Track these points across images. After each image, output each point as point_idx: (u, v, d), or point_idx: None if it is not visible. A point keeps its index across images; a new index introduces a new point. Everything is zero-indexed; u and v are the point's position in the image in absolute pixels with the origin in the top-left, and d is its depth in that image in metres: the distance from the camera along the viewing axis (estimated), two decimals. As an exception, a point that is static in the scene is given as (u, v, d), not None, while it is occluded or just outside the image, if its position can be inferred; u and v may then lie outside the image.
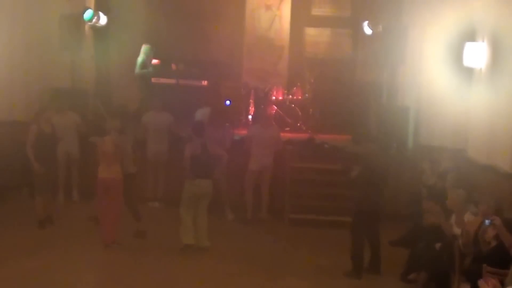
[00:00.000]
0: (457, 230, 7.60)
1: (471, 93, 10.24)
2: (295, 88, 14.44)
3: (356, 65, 14.98)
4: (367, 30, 13.34)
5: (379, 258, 8.62)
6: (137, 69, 13.48)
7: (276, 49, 15.39)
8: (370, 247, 8.62)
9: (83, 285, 8.01)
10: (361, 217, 8.46)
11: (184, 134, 10.92)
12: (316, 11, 15.46)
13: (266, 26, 15.38)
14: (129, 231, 9.37)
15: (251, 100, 14.19)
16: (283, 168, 11.23)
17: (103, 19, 12.44)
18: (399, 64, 12.22)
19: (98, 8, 12.71)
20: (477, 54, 9.91)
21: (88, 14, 11.97)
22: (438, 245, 7.84)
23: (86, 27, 12.41)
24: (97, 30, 12.81)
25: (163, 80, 13.89)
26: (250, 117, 14.07)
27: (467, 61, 10.08)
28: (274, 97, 14.29)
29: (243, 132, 12.01)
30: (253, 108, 14.13)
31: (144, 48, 13.54)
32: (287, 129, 13.75)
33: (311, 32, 15.48)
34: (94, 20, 12.17)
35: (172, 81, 13.99)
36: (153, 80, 13.73)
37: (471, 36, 10.12)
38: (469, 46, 10.04)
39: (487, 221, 6.91)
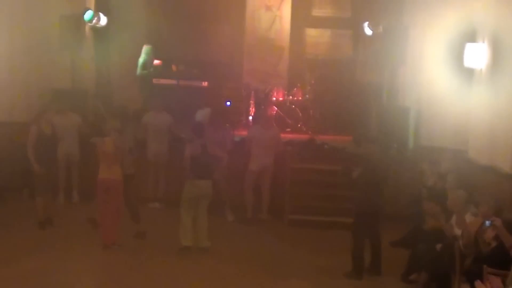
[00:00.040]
0: (457, 231, 7.60)
1: (472, 93, 10.23)
2: (295, 89, 14.43)
3: (356, 66, 14.97)
4: (368, 31, 13.34)
5: (379, 258, 8.61)
6: (139, 70, 13.49)
7: (276, 49, 15.39)
8: (371, 248, 8.61)
9: (83, 286, 8.00)
10: (363, 218, 8.45)
11: (183, 135, 10.91)
12: (317, 11, 15.46)
13: (267, 27, 15.38)
14: (129, 232, 9.36)
15: (251, 101, 14.18)
16: (284, 168, 11.22)
17: (103, 20, 12.44)
18: (399, 65, 12.22)
19: (98, 8, 12.71)
20: (477, 55, 9.90)
21: (88, 14, 11.97)
22: (438, 246, 7.83)
23: (86, 27, 12.41)
24: (97, 31, 12.80)
25: (163, 81, 13.89)
26: (250, 118, 14.06)
27: (468, 62, 10.07)
28: (274, 98, 14.29)
29: (243, 133, 12.00)
30: (253, 109, 14.12)
31: (145, 49, 13.55)
32: (288, 130, 13.75)
33: (311, 32, 15.48)
34: (94, 21, 12.17)
35: (172, 81, 13.98)
36: (154, 81, 13.73)
37: (471, 36, 10.11)
38: (469, 47, 10.03)
39: (487, 222, 6.91)
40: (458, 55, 10.19)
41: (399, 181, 10.53)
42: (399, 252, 8.88)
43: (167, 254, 8.88)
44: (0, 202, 10.84)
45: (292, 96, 14.31)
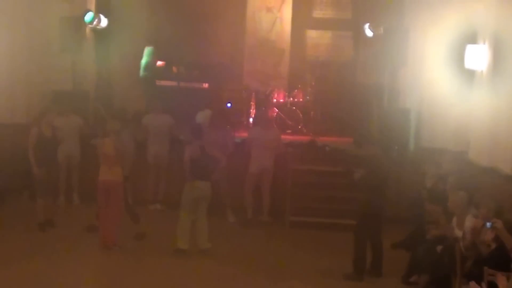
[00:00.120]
0: (458, 233, 7.59)
1: (473, 95, 10.22)
2: (296, 90, 14.42)
3: (357, 68, 14.96)
4: (368, 32, 13.33)
5: (381, 260, 8.60)
6: (142, 72, 13.49)
7: (277, 51, 15.38)
8: (372, 250, 8.60)
9: (83, 288, 8.02)
10: (365, 220, 8.44)
11: (182, 137, 10.90)
12: (317, 13, 15.46)
13: (267, 29, 15.38)
14: (129, 233, 9.35)
15: (252, 103, 14.18)
16: (284, 170, 11.21)
17: (103, 21, 12.45)
18: (400, 66, 12.21)
19: (98, 10, 12.72)
20: (478, 56, 9.89)
21: (88, 16, 11.98)
22: (439, 248, 7.82)
23: (87, 29, 12.42)
24: (98, 32, 12.82)
25: (164, 83, 13.89)
26: (251, 119, 14.06)
27: (469, 63, 10.06)
28: (275, 100, 14.29)
29: (244, 134, 11.99)
30: (254, 111, 14.11)
31: (147, 50, 13.55)
32: (288, 131, 13.75)
33: (312, 34, 15.48)
34: (94, 22, 12.18)
35: (173, 83, 13.99)
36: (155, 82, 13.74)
37: (472, 38, 10.10)
38: (470, 48, 10.02)
39: (488, 224, 6.89)
40: (459, 57, 10.19)
41: (400, 182, 10.52)
42: (400, 254, 8.88)
43: (168, 256, 8.86)
44: (0, 203, 10.83)
45: (292, 98, 14.30)
